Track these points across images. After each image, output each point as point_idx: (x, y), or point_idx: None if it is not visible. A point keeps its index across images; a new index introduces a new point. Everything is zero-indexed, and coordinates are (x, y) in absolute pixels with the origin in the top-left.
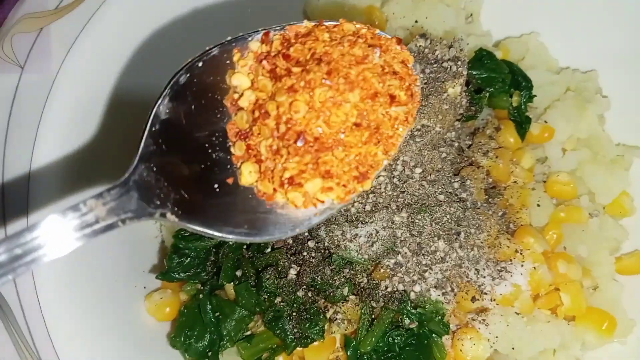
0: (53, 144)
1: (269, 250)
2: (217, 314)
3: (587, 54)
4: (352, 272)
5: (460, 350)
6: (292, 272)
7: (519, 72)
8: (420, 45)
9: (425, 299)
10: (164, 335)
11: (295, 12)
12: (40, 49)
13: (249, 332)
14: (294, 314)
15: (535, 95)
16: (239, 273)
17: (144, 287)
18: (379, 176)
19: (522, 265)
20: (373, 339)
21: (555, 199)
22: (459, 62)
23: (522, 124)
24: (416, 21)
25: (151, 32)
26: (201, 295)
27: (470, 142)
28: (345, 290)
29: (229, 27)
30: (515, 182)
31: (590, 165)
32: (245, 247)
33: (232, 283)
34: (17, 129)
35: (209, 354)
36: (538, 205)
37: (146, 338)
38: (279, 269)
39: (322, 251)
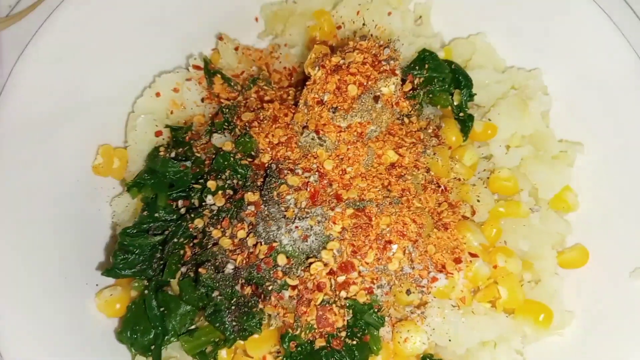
0: (4, 150)
1: (210, 246)
2: (162, 309)
3: (531, 53)
4: (288, 267)
5: (399, 342)
6: (230, 267)
7: (459, 71)
8: (360, 45)
9: (359, 293)
10: (114, 331)
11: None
12: None
13: (193, 327)
14: (233, 307)
15: (475, 94)
16: (184, 269)
17: (96, 285)
18: (317, 172)
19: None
20: (308, 331)
21: (497, 194)
22: (392, 62)
23: (465, 122)
24: (364, 24)
25: (103, 38)
26: (147, 291)
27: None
28: (281, 284)
29: (184, 30)
30: (455, 178)
31: (533, 161)
32: (191, 244)
33: (176, 279)
34: None
35: (152, 348)
36: (478, 201)
37: (96, 334)
38: (217, 263)
39: (260, 247)
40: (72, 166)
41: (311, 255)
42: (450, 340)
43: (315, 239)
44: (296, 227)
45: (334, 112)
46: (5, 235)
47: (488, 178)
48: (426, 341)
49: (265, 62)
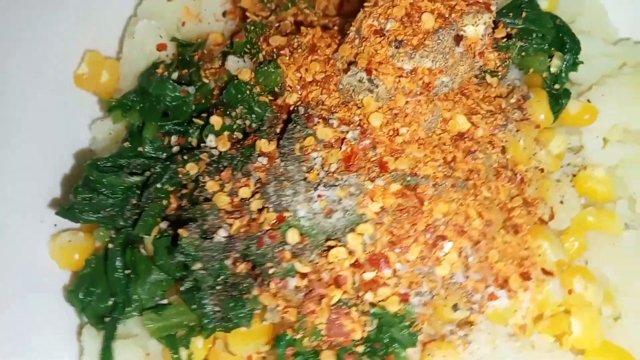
0: None
1: (200, 201)
2: (128, 272)
3: None
4: (299, 247)
5: None
6: (222, 234)
7: (565, 30)
8: None
9: (390, 298)
10: (62, 288)
11: None
12: None
13: (164, 301)
14: (218, 288)
15: (581, 62)
16: (163, 225)
17: (55, 225)
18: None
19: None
20: (314, 338)
21: (584, 198)
22: None
23: (558, 98)
24: None
25: None
26: (111, 245)
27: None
28: (287, 269)
29: None
30: (537, 168)
31: (636, 164)
32: (178, 194)
33: (151, 236)
34: None
35: (107, 320)
36: (561, 203)
37: (43, 285)
38: (205, 226)
39: (267, 214)
40: (48, 71)
41: (333, 238)
42: None
43: (343, 217)
44: (319, 195)
45: (397, 48)
46: None
47: (574, 175)
48: None
49: None
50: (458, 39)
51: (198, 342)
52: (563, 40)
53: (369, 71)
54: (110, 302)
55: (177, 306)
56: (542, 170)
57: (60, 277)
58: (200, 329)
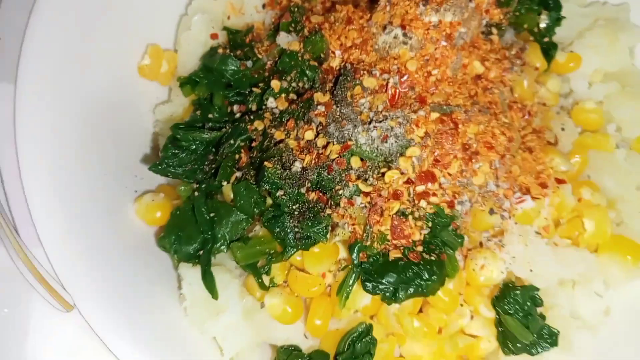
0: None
1: (273, 145)
2: (212, 215)
3: None
4: (362, 170)
5: (473, 270)
6: (297, 165)
7: None
8: None
9: (439, 205)
10: (153, 239)
11: None
12: None
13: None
14: (296, 212)
15: (564, 17)
16: (239, 174)
17: (135, 191)
18: (397, 73)
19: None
20: (382, 241)
21: (580, 127)
22: None
23: (548, 50)
24: None
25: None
26: (196, 194)
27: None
28: (352, 190)
29: None
30: (539, 102)
31: (618, 97)
32: (249, 147)
33: (230, 183)
34: None
35: (201, 254)
36: (562, 130)
37: (136, 239)
38: (283, 161)
39: (332, 147)
40: (116, 63)
41: (389, 160)
42: (531, 271)
43: (395, 142)
44: (374, 127)
45: (424, 5)
46: (45, 129)
47: (570, 111)
48: (504, 270)
49: None
50: None
51: (278, 267)
52: (547, 1)
53: (403, 27)
54: (197, 243)
55: (258, 237)
56: (544, 104)
57: (146, 231)
58: (279, 256)
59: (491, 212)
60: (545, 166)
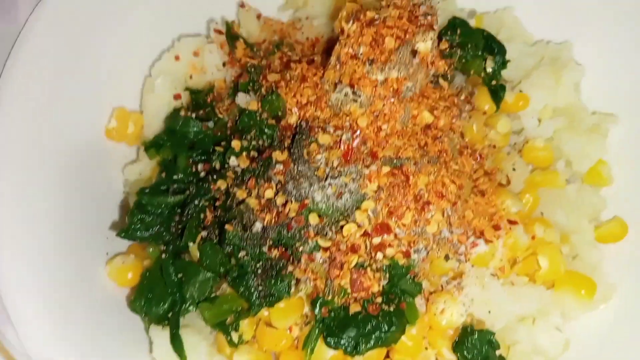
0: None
1: (235, 206)
2: (180, 276)
3: (560, 26)
4: (320, 226)
5: (435, 314)
6: (258, 225)
7: (491, 38)
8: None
9: (395, 256)
10: (125, 300)
11: None
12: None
13: (213, 295)
14: (259, 270)
15: (509, 60)
16: (204, 233)
17: (106, 253)
18: (350, 129)
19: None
20: (342, 295)
21: (531, 165)
22: (429, 17)
23: (497, 92)
24: None
25: None
26: (164, 256)
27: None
28: (312, 246)
29: None
30: (490, 145)
31: (567, 132)
32: (212, 207)
33: (196, 244)
34: None
35: (170, 316)
36: (513, 170)
37: (107, 304)
38: (244, 222)
39: (291, 205)
40: (83, 128)
41: (345, 215)
42: (489, 312)
43: (350, 197)
44: (329, 184)
45: (370, 65)
46: (12, 196)
47: (519, 151)
48: (464, 313)
49: (287, 33)
50: (414, 52)
51: (246, 324)
52: (492, 46)
53: (352, 86)
54: (167, 304)
55: (225, 295)
56: (494, 146)
57: (118, 294)
58: (247, 312)
59: (447, 257)
60: (497, 208)
